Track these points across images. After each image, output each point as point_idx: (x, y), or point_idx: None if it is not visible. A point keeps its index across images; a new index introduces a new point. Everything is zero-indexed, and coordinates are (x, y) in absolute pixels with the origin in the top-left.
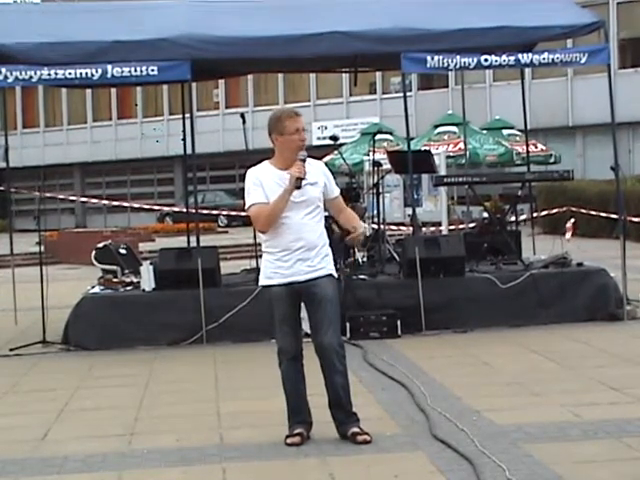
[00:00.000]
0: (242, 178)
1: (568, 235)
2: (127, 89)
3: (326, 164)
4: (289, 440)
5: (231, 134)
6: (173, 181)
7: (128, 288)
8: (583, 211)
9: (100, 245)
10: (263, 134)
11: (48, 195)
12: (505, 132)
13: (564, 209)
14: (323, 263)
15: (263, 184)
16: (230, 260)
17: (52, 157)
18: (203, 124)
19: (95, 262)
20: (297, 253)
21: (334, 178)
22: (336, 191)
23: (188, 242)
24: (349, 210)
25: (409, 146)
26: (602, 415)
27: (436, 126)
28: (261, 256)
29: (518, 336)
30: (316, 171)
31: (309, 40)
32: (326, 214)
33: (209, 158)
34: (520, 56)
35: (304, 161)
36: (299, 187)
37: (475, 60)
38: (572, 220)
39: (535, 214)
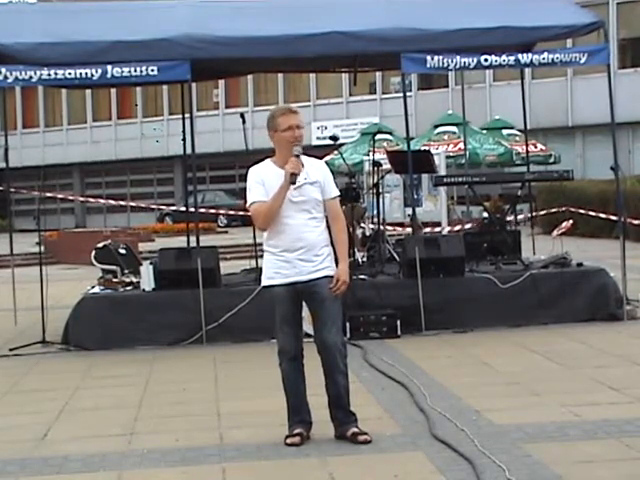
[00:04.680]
0: (242, 178)
1: (555, 233)
2: (127, 89)
3: (326, 164)
4: (289, 440)
5: (231, 134)
6: (173, 181)
7: (128, 288)
8: (582, 211)
9: (100, 245)
10: (263, 134)
11: (48, 195)
12: (505, 132)
13: (563, 209)
14: (325, 263)
15: (265, 182)
16: (230, 260)
17: (52, 157)
18: (203, 124)
19: (95, 262)
20: (298, 253)
21: (334, 179)
22: (332, 192)
23: (188, 242)
24: (343, 236)
25: (409, 146)
26: (602, 415)
27: (436, 126)
28: (262, 256)
29: (518, 336)
30: (316, 170)
31: (309, 40)
32: (326, 214)
33: (209, 158)
34: (520, 56)
35: (298, 157)
36: (294, 183)
37: (475, 60)
38: (571, 220)
39: (534, 214)
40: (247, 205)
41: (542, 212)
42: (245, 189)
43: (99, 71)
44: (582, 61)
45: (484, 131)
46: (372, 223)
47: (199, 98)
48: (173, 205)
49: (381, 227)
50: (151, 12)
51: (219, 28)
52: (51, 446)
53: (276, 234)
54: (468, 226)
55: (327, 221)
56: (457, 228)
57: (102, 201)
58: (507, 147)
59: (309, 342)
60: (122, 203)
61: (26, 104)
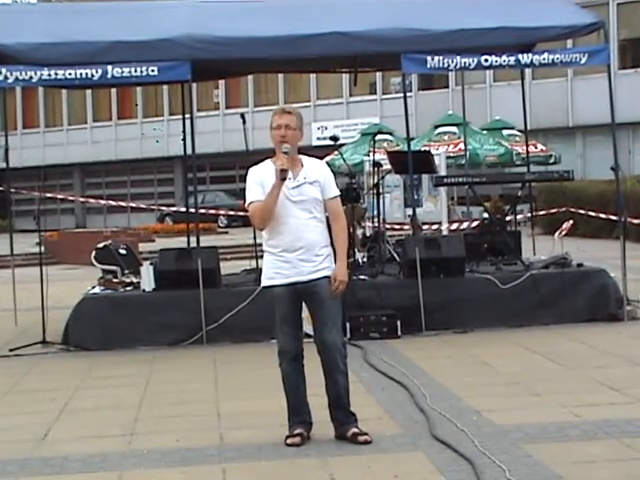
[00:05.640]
0: (242, 178)
1: (558, 234)
2: (127, 89)
3: (327, 164)
4: (289, 440)
5: (231, 134)
6: (173, 181)
7: (128, 288)
8: (582, 212)
9: (100, 245)
10: (263, 134)
11: (48, 195)
12: (505, 132)
13: (563, 209)
14: (325, 263)
15: (263, 182)
16: (230, 260)
17: (52, 157)
18: (203, 124)
19: (95, 262)
20: (297, 253)
21: (335, 179)
22: (332, 192)
23: (188, 242)
24: (343, 235)
25: (409, 146)
26: (602, 415)
27: (436, 126)
28: (262, 256)
29: (518, 336)
30: (315, 170)
31: (309, 40)
32: (327, 214)
33: (209, 158)
34: (520, 56)
35: (287, 154)
36: (284, 179)
37: (475, 60)
38: (571, 221)
39: (535, 214)
40: (245, 205)
41: (541, 212)
42: (245, 189)
43: (99, 71)
44: (582, 61)
45: (484, 131)
46: (372, 223)
47: (199, 98)
48: (173, 205)
49: (381, 227)
50: (152, 12)
51: (219, 28)
52: (51, 446)
53: (276, 234)
54: (465, 225)
55: (328, 221)
56: (455, 227)
57: (102, 202)
58: (507, 147)
59: (309, 342)
60: (122, 204)
61: (26, 104)
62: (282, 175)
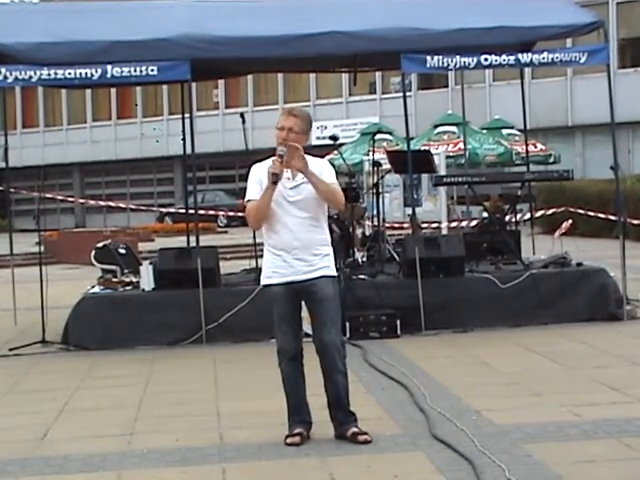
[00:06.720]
0: (242, 178)
1: (557, 234)
2: (127, 89)
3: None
4: (289, 440)
5: (231, 134)
6: (173, 181)
7: (128, 288)
8: (582, 211)
9: (100, 245)
10: (263, 134)
11: (48, 196)
12: (505, 132)
13: (562, 209)
14: (323, 263)
15: (262, 181)
16: (230, 260)
17: (52, 157)
18: (203, 124)
19: (95, 262)
20: (295, 252)
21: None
22: (328, 178)
23: (188, 242)
24: (334, 188)
25: (409, 146)
26: (602, 415)
27: (436, 126)
28: (261, 256)
29: (518, 336)
30: (314, 169)
31: (309, 40)
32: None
33: (209, 158)
34: (520, 56)
35: (282, 157)
36: (275, 183)
37: (475, 60)
38: (570, 221)
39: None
40: (244, 202)
41: (539, 213)
42: (245, 189)
43: (99, 71)
44: (582, 61)
45: (484, 131)
46: (372, 223)
47: (199, 98)
48: (173, 205)
49: (381, 227)
50: (151, 12)
51: (219, 28)
52: (51, 446)
53: (274, 233)
54: (464, 224)
55: (328, 222)
56: (454, 225)
57: (102, 203)
58: (507, 147)
59: (309, 342)
60: (122, 205)
61: (26, 104)
62: (273, 179)
